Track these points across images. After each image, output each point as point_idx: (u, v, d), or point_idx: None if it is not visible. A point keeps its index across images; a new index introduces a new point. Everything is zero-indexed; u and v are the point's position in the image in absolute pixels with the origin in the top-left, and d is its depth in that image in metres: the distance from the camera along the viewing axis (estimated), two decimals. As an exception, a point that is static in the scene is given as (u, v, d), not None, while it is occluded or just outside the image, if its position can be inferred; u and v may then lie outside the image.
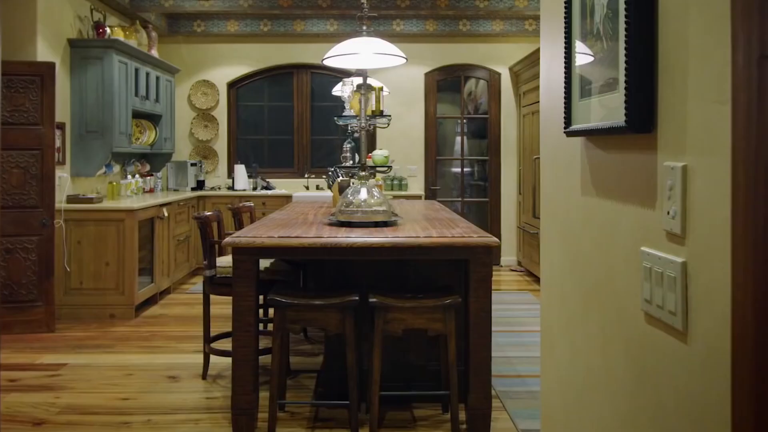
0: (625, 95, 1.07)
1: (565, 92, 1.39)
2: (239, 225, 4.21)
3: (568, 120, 1.39)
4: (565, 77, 1.39)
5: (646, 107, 1.06)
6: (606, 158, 1.25)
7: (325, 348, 3.42)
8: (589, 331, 1.36)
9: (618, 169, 1.19)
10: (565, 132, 1.40)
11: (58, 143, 4.93)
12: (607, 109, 1.18)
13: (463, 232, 3.00)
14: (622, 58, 1.10)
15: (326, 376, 3.35)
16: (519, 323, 4.81)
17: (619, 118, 1.12)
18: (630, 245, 1.15)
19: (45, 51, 4.82)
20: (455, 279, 3.18)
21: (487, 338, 2.83)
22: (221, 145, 7.34)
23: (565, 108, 1.39)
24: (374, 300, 2.77)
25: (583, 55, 1.31)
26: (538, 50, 6.23)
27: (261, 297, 3.48)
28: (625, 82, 1.07)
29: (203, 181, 7.12)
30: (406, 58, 3.20)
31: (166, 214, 5.60)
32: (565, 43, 1.38)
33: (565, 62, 1.39)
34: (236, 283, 2.83)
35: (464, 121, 7.48)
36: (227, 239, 2.83)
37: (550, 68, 1.62)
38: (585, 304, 1.38)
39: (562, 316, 1.56)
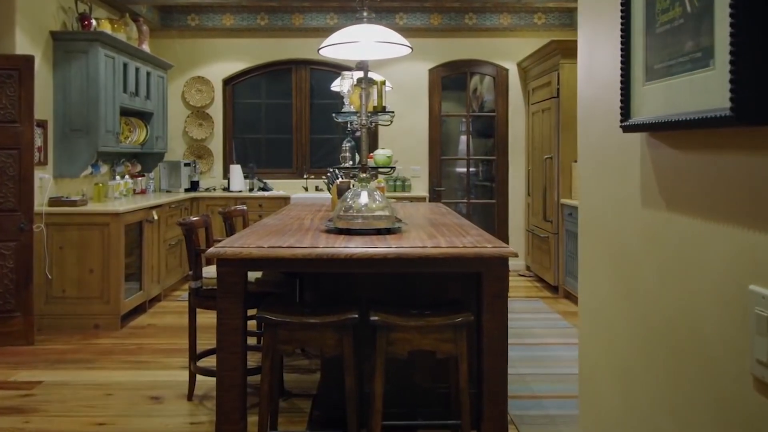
0: (730, 71, 0.76)
1: (621, 74, 1.08)
2: (231, 230, 3.90)
3: (625, 111, 1.08)
4: (622, 54, 1.07)
5: (763, 88, 0.74)
6: (685, 160, 0.93)
7: (322, 367, 3.11)
8: (654, 386, 1.04)
9: (706, 175, 0.88)
10: (621, 126, 1.08)
11: (39, 142, 4.63)
12: (692, 93, 0.87)
13: (474, 240, 2.69)
14: (721, 18, 0.79)
15: (323, 399, 3.04)
16: (531, 335, 4.49)
17: (715, 105, 0.80)
18: (728, 280, 0.83)
19: (25, 43, 4.51)
20: (466, 292, 2.86)
21: (503, 361, 2.51)
22: (216, 145, 7.04)
23: (621, 96, 1.08)
24: (376, 318, 2.46)
25: (649, 24, 1.00)
26: (547, 45, 5.91)
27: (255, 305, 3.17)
28: (731, 52, 0.76)
29: (197, 181, 6.81)
30: (411, 48, 2.89)
31: (155, 218, 5.29)
32: (622, 8, 1.07)
33: (621, 34, 1.07)
34: (221, 299, 2.51)
35: (470, 119, 7.16)
36: (211, 249, 2.52)
37: (593, 46, 1.30)
38: (648, 350, 1.06)
39: (610, 361, 1.24)
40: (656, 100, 0.98)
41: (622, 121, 1.09)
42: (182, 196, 6.21)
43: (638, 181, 1.09)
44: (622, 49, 1.07)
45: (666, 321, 0.99)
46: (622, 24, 1.07)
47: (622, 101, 1.08)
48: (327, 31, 6.68)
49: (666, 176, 0.99)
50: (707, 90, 0.83)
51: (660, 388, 1.02)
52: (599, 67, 1.26)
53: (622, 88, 1.08)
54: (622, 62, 1.08)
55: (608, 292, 1.23)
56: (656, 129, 0.98)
